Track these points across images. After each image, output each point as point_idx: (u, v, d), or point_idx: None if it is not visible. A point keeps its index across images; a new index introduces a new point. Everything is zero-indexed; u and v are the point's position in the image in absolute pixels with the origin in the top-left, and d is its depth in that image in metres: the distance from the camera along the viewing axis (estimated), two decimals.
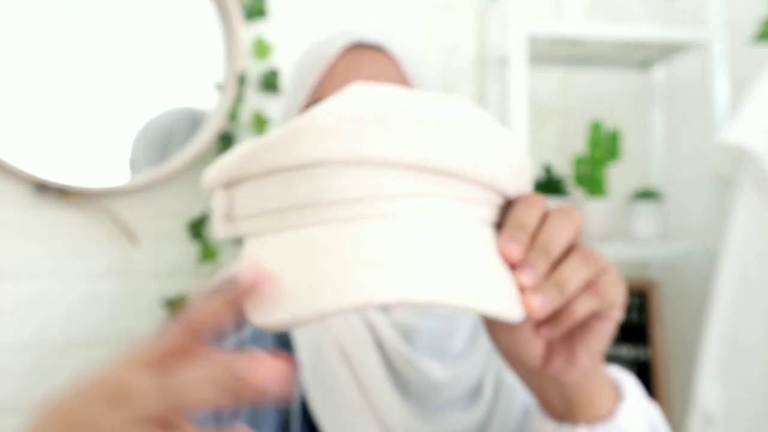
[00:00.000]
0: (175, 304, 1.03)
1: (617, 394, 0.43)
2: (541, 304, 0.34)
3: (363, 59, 0.64)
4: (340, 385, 0.61)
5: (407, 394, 0.62)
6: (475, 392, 0.64)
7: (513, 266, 0.35)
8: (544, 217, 0.37)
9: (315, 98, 0.65)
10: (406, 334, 0.63)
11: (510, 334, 0.38)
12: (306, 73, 0.66)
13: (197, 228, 1.04)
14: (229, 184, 0.37)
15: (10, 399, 0.92)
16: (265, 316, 0.32)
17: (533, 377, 0.42)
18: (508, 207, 0.38)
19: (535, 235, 0.36)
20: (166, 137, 1.04)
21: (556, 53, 1.31)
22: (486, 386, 0.64)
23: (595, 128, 1.23)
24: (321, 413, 0.60)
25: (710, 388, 0.92)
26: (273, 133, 0.35)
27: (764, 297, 0.91)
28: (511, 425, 0.62)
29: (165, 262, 1.05)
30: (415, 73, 0.66)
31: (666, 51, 1.27)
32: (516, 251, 0.35)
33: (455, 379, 0.63)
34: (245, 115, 1.11)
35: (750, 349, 0.91)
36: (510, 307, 0.33)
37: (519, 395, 0.62)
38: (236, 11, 1.07)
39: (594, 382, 0.41)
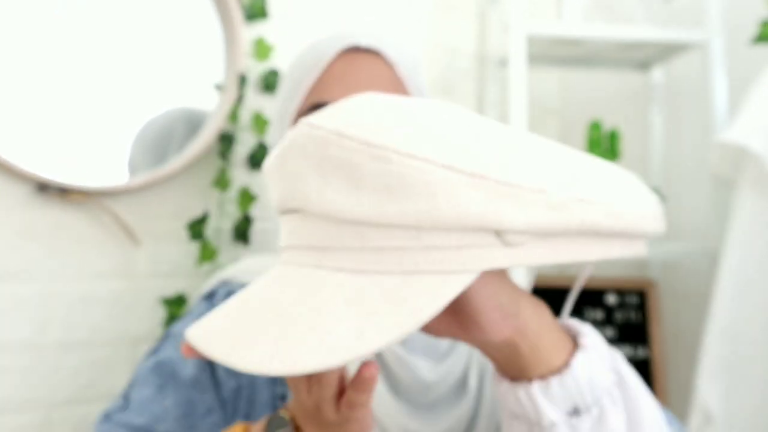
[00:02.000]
0: (173, 303, 1.03)
1: (574, 346, 0.43)
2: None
3: (358, 62, 0.65)
4: None
5: (399, 395, 0.63)
6: (462, 386, 0.65)
7: None
8: None
9: (310, 101, 0.65)
10: None
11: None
12: (301, 76, 0.66)
13: (197, 228, 1.04)
14: None
15: (9, 398, 0.92)
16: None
17: (485, 348, 0.42)
18: None
19: None
20: (164, 138, 1.05)
21: (555, 54, 1.32)
22: (471, 378, 0.65)
23: (595, 128, 1.23)
24: None
25: (710, 386, 0.92)
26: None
27: (764, 297, 0.91)
28: (498, 408, 0.63)
29: (166, 262, 1.05)
30: (409, 76, 0.67)
31: (665, 51, 1.27)
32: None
33: (443, 376, 0.64)
34: (245, 116, 1.11)
35: (750, 348, 0.91)
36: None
37: None
38: (237, 12, 1.07)
39: (545, 339, 0.41)
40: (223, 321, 0.35)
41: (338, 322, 0.32)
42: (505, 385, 0.42)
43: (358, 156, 0.33)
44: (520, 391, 0.41)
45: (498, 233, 0.34)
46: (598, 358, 0.42)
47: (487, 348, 0.42)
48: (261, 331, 0.33)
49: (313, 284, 0.34)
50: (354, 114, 0.35)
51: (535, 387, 0.40)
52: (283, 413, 0.44)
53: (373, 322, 0.32)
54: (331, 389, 0.40)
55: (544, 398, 0.40)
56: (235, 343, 0.32)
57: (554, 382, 0.40)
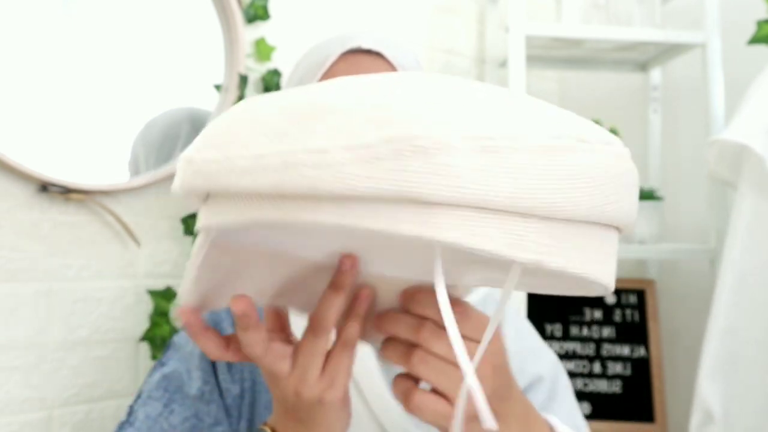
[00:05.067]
0: (160, 296, 1.03)
1: None
2: None
3: (360, 64, 0.65)
4: None
5: None
6: None
7: None
8: None
9: None
10: None
11: None
12: (304, 77, 0.67)
13: (192, 223, 1.05)
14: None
15: (10, 398, 0.92)
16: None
17: None
18: None
19: None
20: (170, 139, 1.05)
21: (554, 54, 1.32)
22: None
23: None
24: None
25: (710, 385, 0.93)
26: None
27: (764, 296, 0.92)
28: None
29: (166, 261, 1.06)
30: None
31: (663, 52, 1.28)
32: None
33: None
34: None
35: (750, 348, 0.92)
36: None
37: None
38: (237, 13, 1.08)
39: (532, 424, 0.46)
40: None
41: None
42: None
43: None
44: None
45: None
46: None
47: None
48: None
49: None
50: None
51: None
52: (263, 428, 0.45)
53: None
54: (317, 345, 0.41)
55: None
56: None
57: None
